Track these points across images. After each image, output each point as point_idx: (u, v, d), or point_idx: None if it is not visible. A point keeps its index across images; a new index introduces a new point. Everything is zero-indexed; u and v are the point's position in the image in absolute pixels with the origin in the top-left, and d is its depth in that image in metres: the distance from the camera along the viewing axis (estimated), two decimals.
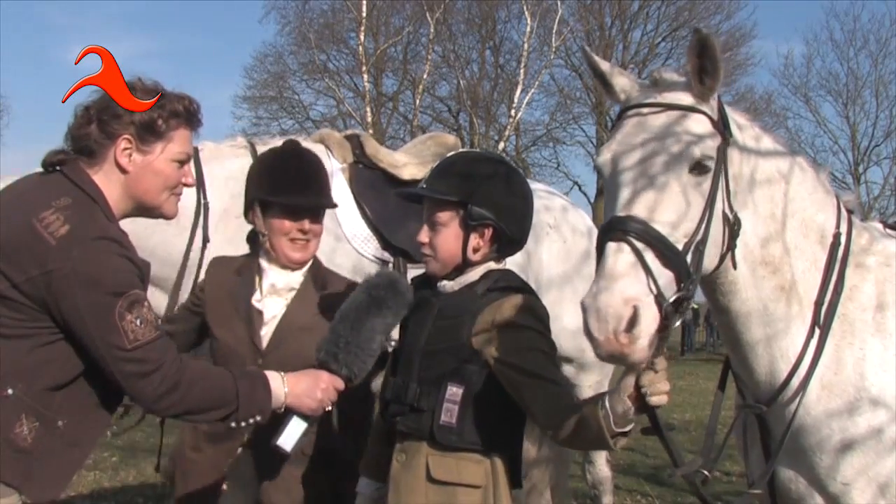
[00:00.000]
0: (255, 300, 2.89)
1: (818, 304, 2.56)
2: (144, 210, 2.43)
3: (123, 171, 2.34)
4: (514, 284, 2.51)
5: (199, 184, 3.84)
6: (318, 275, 2.98)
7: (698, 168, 2.28)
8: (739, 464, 6.96)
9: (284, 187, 2.89)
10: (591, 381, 4.37)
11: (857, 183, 30.97)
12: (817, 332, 2.54)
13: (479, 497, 2.40)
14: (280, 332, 2.86)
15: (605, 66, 2.48)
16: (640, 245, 2.14)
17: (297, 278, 2.93)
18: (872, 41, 31.88)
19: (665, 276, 2.15)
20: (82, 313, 2.16)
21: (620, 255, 2.13)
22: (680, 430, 9.26)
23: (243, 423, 2.41)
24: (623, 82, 2.47)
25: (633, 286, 2.10)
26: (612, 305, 2.06)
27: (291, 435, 2.51)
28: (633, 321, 2.06)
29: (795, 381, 2.53)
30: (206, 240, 3.79)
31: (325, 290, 2.93)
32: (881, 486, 2.51)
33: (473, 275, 2.51)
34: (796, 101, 33.25)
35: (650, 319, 2.09)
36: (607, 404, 2.13)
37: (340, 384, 2.51)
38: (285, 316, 2.88)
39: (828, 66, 37.01)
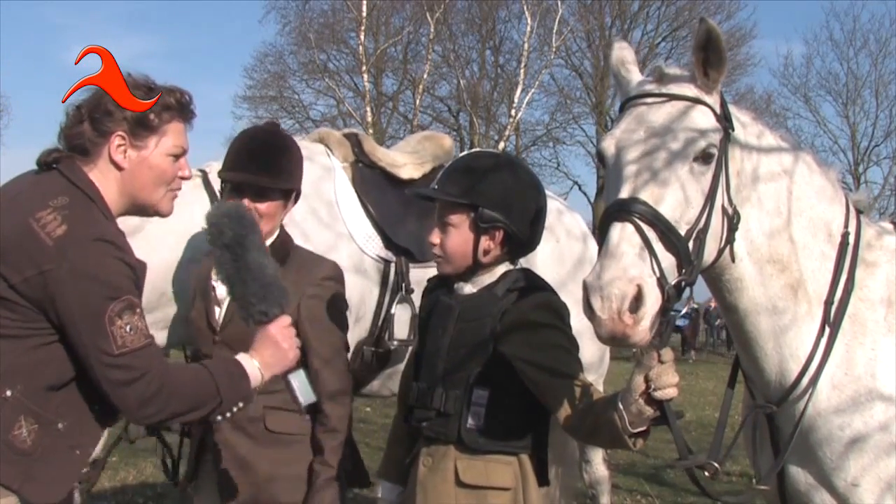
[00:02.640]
0: (213, 279, 2.88)
1: (828, 303, 2.55)
2: (141, 208, 2.42)
3: (119, 167, 2.32)
4: (533, 284, 2.51)
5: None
6: (279, 250, 2.92)
7: (702, 158, 2.29)
8: (740, 464, 6.98)
9: (233, 164, 2.91)
10: (588, 380, 4.36)
11: (857, 183, 30.97)
12: (827, 331, 2.53)
13: (509, 498, 2.40)
14: (231, 308, 2.85)
15: (621, 68, 2.48)
16: (644, 226, 2.14)
17: None
18: (872, 41, 31.93)
19: (667, 260, 2.15)
20: (74, 314, 2.14)
21: (625, 235, 2.13)
22: (681, 429, 9.20)
23: (228, 414, 2.39)
24: (636, 76, 2.48)
25: (638, 265, 2.10)
26: (616, 284, 2.05)
27: (302, 389, 2.49)
28: (637, 301, 2.06)
29: (805, 381, 2.52)
30: None
31: (282, 266, 2.85)
32: (889, 485, 2.50)
33: (491, 276, 2.50)
34: (796, 101, 33.28)
35: (653, 300, 2.08)
36: (620, 405, 2.12)
37: (286, 322, 2.46)
38: None
39: (827, 66, 36.91)
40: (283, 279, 2.80)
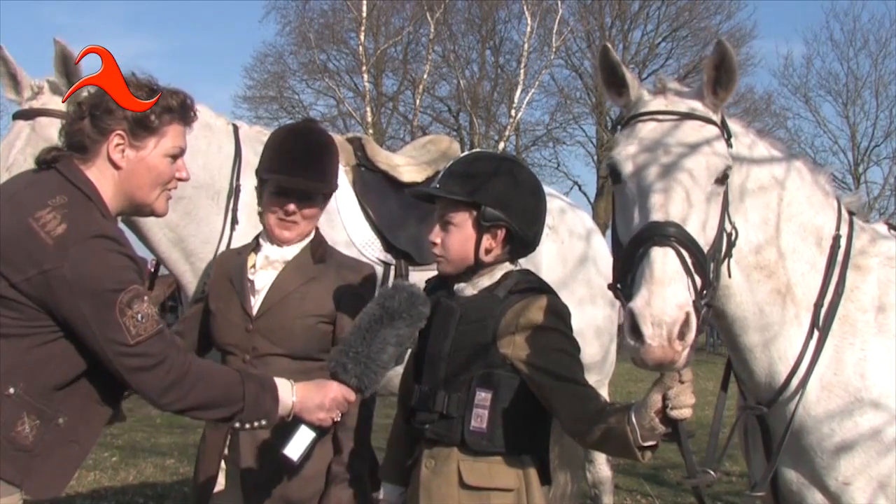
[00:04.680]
0: (249, 273, 2.91)
1: (817, 305, 2.56)
2: (136, 208, 2.43)
3: (116, 166, 2.33)
4: (535, 286, 2.50)
5: (237, 163, 3.87)
6: (318, 249, 2.95)
7: (720, 180, 2.31)
8: (739, 464, 6.97)
9: (277, 165, 2.88)
10: (590, 381, 4.35)
11: (857, 183, 30.97)
12: (816, 333, 2.55)
13: (512, 499, 2.41)
14: (270, 299, 2.86)
15: (625, 68, 2.46)
16: (683, 251, 2.16)
17: (292, 251, 2.93)
18: (872, 41, 31.84)
19: (698, 282, 2.18)
20: (83, 312, 2.16)
21: (668, 260, 2.14)
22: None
23: (247, 426, 2.40)
24: (636, 87, 2.47)
25: (683, 292, 2.11)
26: (668, 312, 2.06)
27: (299, 445, 2.49)
28: (684, 327, 2.07)
29: (795, 382, 2.54)
30: (234, 221, 3.81)
31: (321, 263, 2.92)
32: (881, 484, 2.52)
33: (491, 277, 2.50)
34: (796, 101, 33.24)
35: (695, 325, 2.10)
36: (633, 419, 2.14)
37: (351, 395, 2.48)
38: (276, 283, 2.88)
39: (828, 67, 37.02)
40: (324, 278, 2.88)
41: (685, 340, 2.06)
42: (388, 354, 2.44)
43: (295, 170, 2.86)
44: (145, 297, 2.23)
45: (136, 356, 2.19)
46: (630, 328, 2.09)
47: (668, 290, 2.08)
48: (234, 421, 2.38)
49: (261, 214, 2.97)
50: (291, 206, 2.85)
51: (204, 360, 2.40)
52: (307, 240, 2.95)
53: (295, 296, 2.85)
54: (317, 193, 2.91)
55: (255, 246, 2.98)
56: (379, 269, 3.93)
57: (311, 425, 2.48)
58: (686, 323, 2.07)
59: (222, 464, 2.94)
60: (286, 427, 2.51)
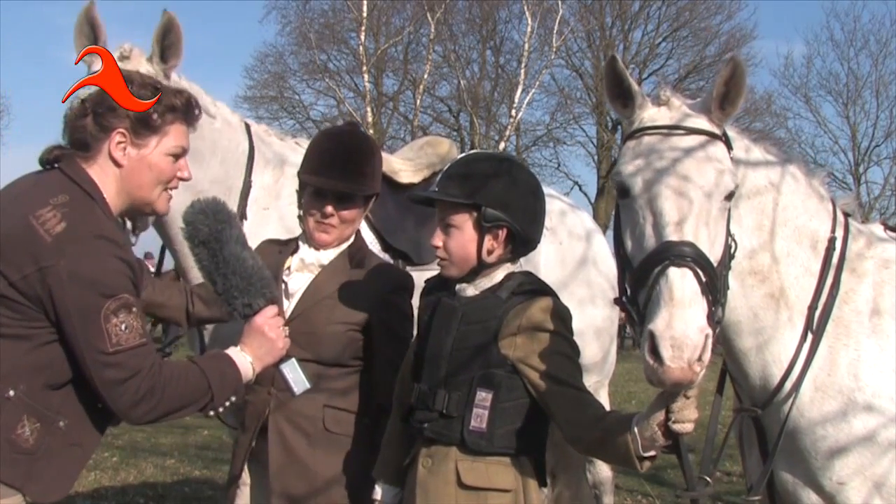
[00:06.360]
0: (284, 275, 2.91)
1: (812, 308, 2.57)
2: (138, 207, 2.43)
3: (118, 164, 2.33)
4: (537, 287, 2.51)
5: (250, 160, 3.87)
6: (357, 254, 2.95)
7: (729, 196, 2.32)
8: (739, 464, 6.96)
9: (316, 167, 2.89)
10: (589, 382, 4.36)
11: (857, 183, 30.96)
12: (810, 335, 2.56)
13: (510, 500, 2.42)
14: (303, 303, 2.86)
15: (631, 80, 2.44)
16: (699, 271, 2.16)
17: (328, 255, 2.93)
18: (873, 41, 31.79)
19: (710, 300, 2.18)
20: (70, 311, 2.16)
21: (687, 282, 2.13)
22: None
23: (220, 409, 2.42)
24: (642, 99, 2.46)
25: (702, 314, 2.11)
26: (689, 336, 2.06)
27: (295, 378, 2.55)
28: (703, 349, 2.07)
29: (788, 385, 2.56)
30: (242, 216, 3.79)
31: (359, 268, 2.90)
32: (877, 485, 2.54)
33: (494, 278, 2.51)
34: (796, 101, 33.16)
35: (711, 345, 2.11)
36: (635, 429, 2.15)
37: (273, 312, 2.50)
38: (310, 287, 2.88)
39: (828, 67, 36.97)
40: (358, 285, 2.86)
41: (703, 361, 2.07)
42: (248, 259, 2.46)
43: (333, 172, 2.86)
44: (134, 308, 2.22)
45: (112, 366, 2.17)
46: (650, 349, 2.09)
47: (688, 313, 2.08)
48: (206, 410, 2.38)
49: (300, 218, 2.97)
50: (329, 208, 2.86)
51: (168, 365, 2.34)
52: (346, 244, 2.95)
53: (327, 302, 2.84)
54: (355, 195, 2.90)
55: (294, 248, 2.98)
56: None
57: (283, 359, 2.52)
58: (704, 345, 2.07)
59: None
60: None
